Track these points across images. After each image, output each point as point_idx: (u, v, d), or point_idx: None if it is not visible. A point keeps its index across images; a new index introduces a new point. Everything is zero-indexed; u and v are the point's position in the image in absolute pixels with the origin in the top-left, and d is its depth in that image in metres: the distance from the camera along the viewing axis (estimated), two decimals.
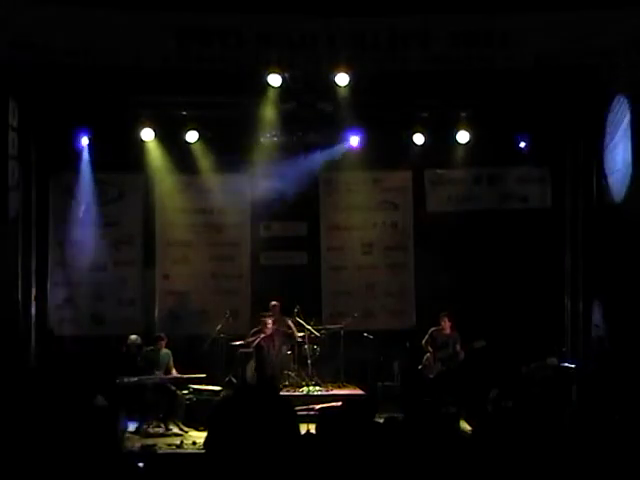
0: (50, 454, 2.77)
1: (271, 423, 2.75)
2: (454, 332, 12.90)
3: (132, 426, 11.43)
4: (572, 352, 13.16)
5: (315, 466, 3.56)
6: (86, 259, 13.94)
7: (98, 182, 13.92)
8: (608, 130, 11.91)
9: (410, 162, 14.05)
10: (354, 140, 13.61)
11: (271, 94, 11.96)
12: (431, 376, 12.83)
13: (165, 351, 12.19)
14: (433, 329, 13.02)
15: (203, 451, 2.75)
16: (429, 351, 12.94)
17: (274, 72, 11.34)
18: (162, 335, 12.38)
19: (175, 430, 11.54)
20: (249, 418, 2.74)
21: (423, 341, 13.01)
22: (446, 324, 12.89)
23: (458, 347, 12.80)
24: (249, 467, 2.69)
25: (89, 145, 13.46)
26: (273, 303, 13.37)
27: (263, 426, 2.73)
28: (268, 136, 13.23)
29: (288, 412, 2.83)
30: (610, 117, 11.81)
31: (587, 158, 13.00)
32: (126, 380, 11.57)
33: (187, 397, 11.96)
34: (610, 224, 12.09)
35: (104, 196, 13.98)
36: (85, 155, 13.55)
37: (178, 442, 10.82)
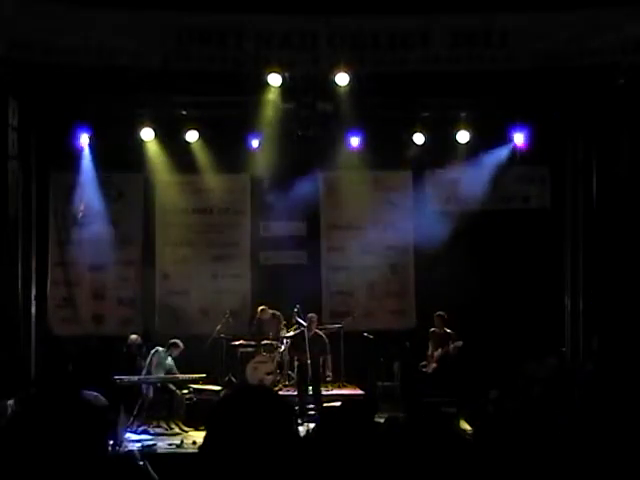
0: (50, 454, 2.77)
1: (269, 424, 2.75)
2: (447, 332, 13.04)
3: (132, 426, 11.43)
4: (572, 352, 13.17)
5: (314, 466, 3.56)
6: (86, 259, 13.96)
7: (98, 182, 13.93)
8: None
9: (410, 162, 14.05)
10: (354, 140, 13.62)
11: (271, 94, 11.95)
12: (429, 371, 12.99)
13: (173, 357, 12.18)
14: (432, 329, 13.29)
15: (200, 450, 2.75)
16: (429, 350, 13.18)
17: (274, 72, 11.34)
18: (178, 342, 12.30)
19: (175, 430, 11.54)
20: (248, 418, 2.74)
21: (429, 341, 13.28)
22: (440, 324, 13.05)
23: (450, 346, 12.97)
24: (247, 468, 2.69)
25: (89, 145, 13.44)
26: (262, 308, 13.42)
27: (261, 427, 2.73)
28: (267, 136, 13.21)
29: (286, 413, 2.83)
30: None
31: (587, 158, 12.99)
32: (126, 380, 11.58)
33: (187, 397, 11.96)
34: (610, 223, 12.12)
35: (104, 196, 13.98)
36: (85, 155, 13.53)
37: (178, 442, 10.81)
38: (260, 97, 12.03)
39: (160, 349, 12.18)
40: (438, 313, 13.18)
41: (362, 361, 13.31)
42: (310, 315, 12.68)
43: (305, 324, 12.58)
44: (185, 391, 12.01)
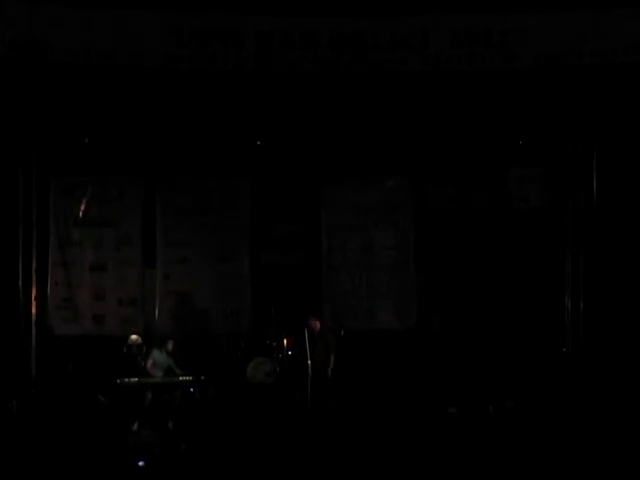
0: (52, 452, 2.79)
1: (269, 423, 2.77)
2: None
3: (132, 426, 11.44)
4: (572, 352, 13.19)
5: (313, 465, 3.58)
6: (86, 259, 13.96)
7: (98, 182, 13.95)
8: None
9: (410, 162, 14.06)
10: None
11: (272, 94, 11.95)
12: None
13: (169, 354, 12.24)
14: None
15: (200, 450, 2.76)
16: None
17: (274, 71, 11.33)
18: (168, 339, 12.36)
19: (174, 429, 11.54)
20: (247, 418, 2.76)
21: None
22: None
23: None
24: (246, 467, 2.71)
25: (89, 145, 13.45)
26: (268, 308, 13.50)
27: (261, 426, 2.75)
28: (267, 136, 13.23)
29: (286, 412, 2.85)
30: None
31: (587, 158, 13.01)
32: (126, 380, 11.59)
33: (187, 397, 11.96)
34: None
35: (104, 196, 13.99)
36: (85, 155, 13.55)
37: (177, 441, 10.81)
38: (260, 97, 12.04)
39: (154, 350, 12.23)
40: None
41: (362, 361, 13.33)
42: (312, 316, 12.71)
43: (310, 324, 12.63)
44: (185, 391, 12.02)
